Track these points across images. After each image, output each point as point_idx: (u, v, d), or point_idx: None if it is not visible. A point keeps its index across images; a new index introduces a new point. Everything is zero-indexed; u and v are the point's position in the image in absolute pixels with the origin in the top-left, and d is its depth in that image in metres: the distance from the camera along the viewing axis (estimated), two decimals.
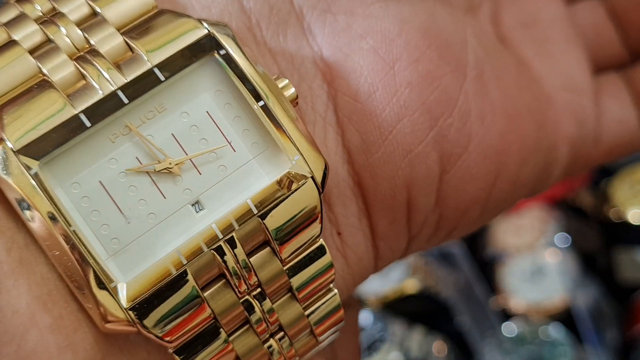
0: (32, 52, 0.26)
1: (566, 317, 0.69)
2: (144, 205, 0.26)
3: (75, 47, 0.27)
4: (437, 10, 0.32)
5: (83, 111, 0.26)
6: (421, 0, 0.32)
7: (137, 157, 0.26)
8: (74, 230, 0.25)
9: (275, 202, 0.27)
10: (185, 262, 0.26)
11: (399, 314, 0.69)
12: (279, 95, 0.28)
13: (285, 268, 0.28)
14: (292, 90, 0.28)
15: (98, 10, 0.27)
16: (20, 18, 0.27)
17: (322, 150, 0.29)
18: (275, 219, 0.27)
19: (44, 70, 0.26)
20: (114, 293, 0.25)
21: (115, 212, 0.26)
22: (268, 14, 0.30)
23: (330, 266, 0.29)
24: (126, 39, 0.27)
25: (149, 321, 0.26)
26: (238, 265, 0.27)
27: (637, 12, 0.37)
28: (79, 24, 0.27)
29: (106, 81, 0.26)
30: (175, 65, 0.27)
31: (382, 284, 0.70)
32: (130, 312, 0.25)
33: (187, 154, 0.27)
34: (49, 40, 0.27)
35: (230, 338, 0.28)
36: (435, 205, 0.32)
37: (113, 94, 0.26)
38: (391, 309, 0.70)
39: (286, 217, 0.27)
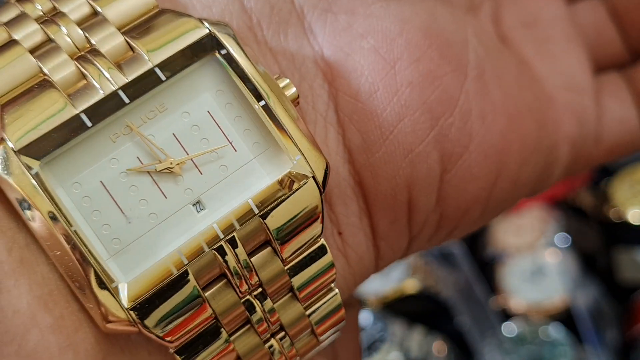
0: (32, 51, 0.26)
1: (566, 317, 0.69)
2: (145, 205, 0.26)
3: (76, 46, 0.27)
4: (438, 10, 0.32)
5: (84, 111, 0.26)
6: None
7: (138, 157, 0.26)
8: (75, 230, 0.25)
9: (276, 202, 0.27)
10: (186, 262, 0.26)
11: (399, 314, 0.69)
12: (280, 95, 0.28)
13: (286, 268, 0.28)
14: (293, 89, 0.28)
15: (99, 9, 0.27)
16: (21, 17, 0.27)
17: (323, 150, 0.29)
18: (276, 219, 0.27)
19: (45, 70, 0.26)
20: (115, 293, 0.25)
21: (116, 212, 0.26)
22: (269, 14, 0.30)
23: (331, 266, 0.29)
24: (127, 39, 0.27)
25: (150, 321, 0.26)
26: (239, 265, 0.27)
27: (638, 12, 0.37)
28: (79, 23, 0.27)
29: (107, 81, 0.26)
30: (176, 64, 0.27)
31: (382, 284, 0.70)
32: (132, 312, 0.25)
33: (188, 154, 0.27)
34: (49, 40, 0.27)
35: (231, 338, 0.28)
36: (436, 205, 0.32)
37: (114, 94, 0.26)
38: (391, 309, 0.70)
39: (287, 216, 0.27)
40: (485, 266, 0.74)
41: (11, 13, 0.28)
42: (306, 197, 0.27)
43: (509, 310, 0.71)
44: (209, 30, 0.27)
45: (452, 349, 0.69)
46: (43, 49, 0.27)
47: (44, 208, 0.25)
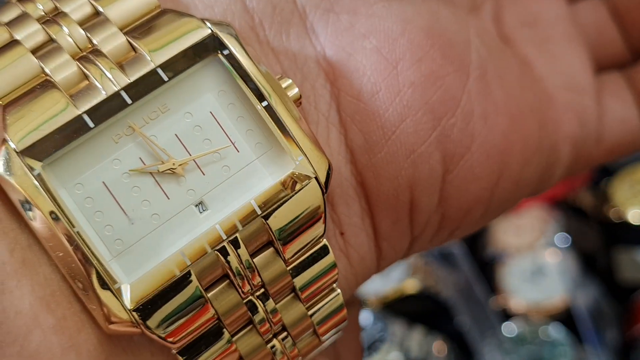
0: (34, 51, 0.26)
1: (566, 317, 0.69)
2: (148, 206, 0.26)
3: (78, 46, 0.27)
4: (440, 10, 0.32)
5: (86, 112, 0.26)
6: (424, 0, 0.32)
7: (140, 158, 0.26)
8: (77, 231, 0.25)
9: (278, 203, 0.27)
10: (189, 263, 0.26)
11: (399, 314, 0.69)
12: (282, 95, 0.28)
13: (288, 268, 0.28)
14: (296, 90, 0.28)
15: (100, 9, 0.27)
16: (22, 18, 0.27)
17: (325, 151, 0.29)
18: (278, 220, 0.27)
19: (47, 70, 0.26)
20: (117, 294, 0.25)
21: (119, 213, 0.26)
22: (271, 13, 0.30)
23: (333, 266, 0.29)
24: (129, 39, 0.27)
25: (152, 322, 0.26)
26: (241, 265, 0.27)
27: (639, 11, 0.37)
28: (81, 23, 0.27)
29: (109, 81, 0.26)
30: (178, 65, 0.27)
31: (382, 284, 0.70)
32: (134, 313, 0.25)
33: (190, 155, 0.27)
34: (51, 40, 0.27)
35: (234, 338, 0.28)
36: (438, 205, 0.32)
37: (116, 94, 0.26)
38: (391, 309, 0.70)
39: (289, 217, 0.27)
40: (485, 266, 0.74)
41: (12, 13, 0.28)
42: (309, 197, 0.27)
43: (509, 310, 0.71)
44: (211, 30, 0.27)
45: (452, 349, 0.69)
46: (45, 49, 0.26)
47: (45, 209, 0.25)
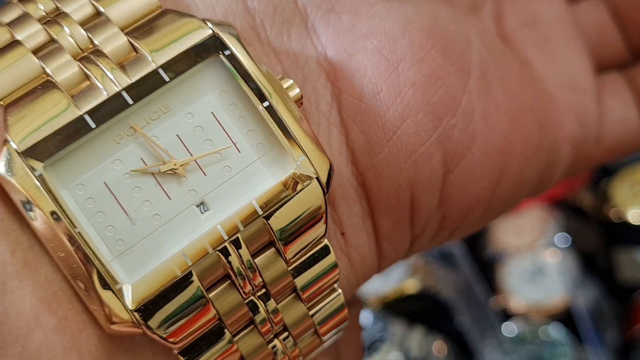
0: (35, 52, 0.26)
1: (566, 317, 0.69)
2: (149, 206, 0.26)
3: (79, 47, 0.27)
4: (441, 10, 0.32)
5: (87, 112, 0.26)
6: (424, 0, 0.32)
7: (141, 158, 0.26)
8: (79, 232, 0.25)
9: (280, 203, 0.27)
10: (190, 263, 0.26)
11: (399, 314, 0.69)
12: (283, 96, 0.28)
13: (289, 268, 0.28)
14: (297, 90, 0.28)
15: (102, 10, 0.27)
16: (24, 18, 0.27)
17: (326, 151, 0.29)
18: (279, 220, 0.27)
19: (48, 71, 0.26)
20: (119, 294, 0.25)
21: (120, 214, 0.26)
22: (272, 14, 0.30)
23: (334, 266, 0.29)
24: (130, 39, 0.27)
25: (154, 322, 0.26)
26: (243, 265, 0.27)
27: (639, 12, 0.37)
28: (82, 23, 0.27)
29: (110, 82, 0.26)
30: (179, 65, 0.27)
31: (382, 284, 0.70)
32: (135, 314, 0.25)
33: (192, 155, 0.27)
34: (52, 41, 0.27)
35: (235, 338, 0.28)
36: (439, 206, 0.32)
37: (117, 95, 0.26)
38: (391, 309, 0.70)
39: (291, 217, 0.27)
40: (485, 266, 0.74)
41: (13, 13, 0.28)
42: (310, 198, 0.27)
43: (509, 310, 0.71)
44: (213, 30, 0.27)
45: (452, 349, 0.69)
46: (46, 50, 0.26)
47: (47, 209, 0.25)
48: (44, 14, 0.28)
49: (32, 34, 0.27)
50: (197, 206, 0.27)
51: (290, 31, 0.30)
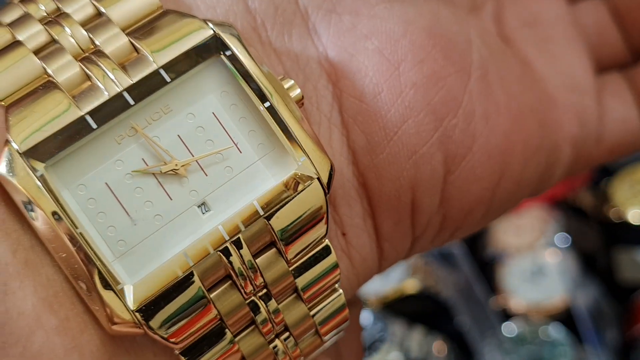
0: (36, 52, 0.26)
1: (566, 317, 0.69)
2: (150, 206, 0.26)
3: (80, 47, 0.27)
4: (442, 11, 0.32)
5: (89, 112, 0.26)
6: (425, 0, 0.32)
7: (143, 159, 0.26)
8: (80, 232, 0.25)
9: (281, 204, 0.27)
10: (191, 264, 0.26)
11: (399, 314, 0.69)
12: (284, 96, 0.28)
13: (290, 269, 0.28)
14: (298, 91, 0.28)
15: (103, 10, 0.27)
16: (25, 18, 0.27)
17: (327, 151, 0.29)
18: (281, 220, 0.27)
19: (49, 71, 0.26)
20: (120, 295, 0.25)
21: (122, 214, 0.26)
22: (273, 14, 0.30)
23: (335, 266, 0.29)
24: (131, 40, 0.27)
25: (155, 322, 0.26)
26: (244, 266, 0.27)
27: (639, 12, 0.37)
28: (83, 24, 0.27)
29: (112, 82, 0.26)
30: (180, 66, 0.27)
31: (382, 284, 0.70)
32: (137, 314, 0.25)
33: (193, 156, 0.27)
34: (53, 41, 0.27)
35: (236, 338, 0.28)
36: (440, 206, 0.32)
37: (119, 95, 0.26)
38: (391, 309, 0.70)
39: (292, 217, 0.27)
40: (485, 266, 0.74)
41: (15, 14, 0.28)
42: (311, 198, 0.27)
43: (509, 310, 0.71)
44: (214, 31, 0.27)
45: (452, 349, 0.69)
46: (47, 50, 0.26)
47: (48, 209, 0.25)
48: (45, 14, 0.28)
49: (33, 35, 0.27)
50: (199, 206, 0.27)
51: (291, 32, 0.30)
